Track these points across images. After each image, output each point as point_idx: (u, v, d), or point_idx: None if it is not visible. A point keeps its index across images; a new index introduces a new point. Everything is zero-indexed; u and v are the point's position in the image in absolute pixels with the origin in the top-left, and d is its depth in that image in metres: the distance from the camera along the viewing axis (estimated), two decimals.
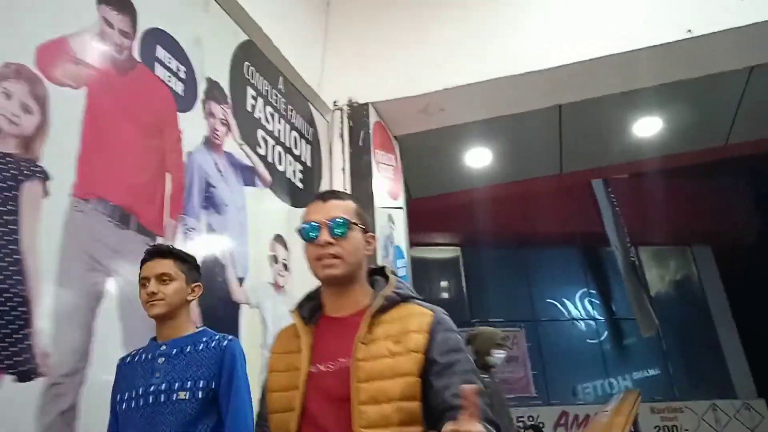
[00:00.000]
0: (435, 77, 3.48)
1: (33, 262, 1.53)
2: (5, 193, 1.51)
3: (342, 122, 3.47)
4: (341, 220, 1.41)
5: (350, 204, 1.48)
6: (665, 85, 3.57)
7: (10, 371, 1.42)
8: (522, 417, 8.01)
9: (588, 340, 9.33)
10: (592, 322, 9.53)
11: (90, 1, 1.93)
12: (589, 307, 9.62)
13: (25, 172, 1.57)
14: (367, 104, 3.50)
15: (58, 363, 1.54)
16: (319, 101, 3.42)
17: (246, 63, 2.78)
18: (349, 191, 3.30)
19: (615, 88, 3.52)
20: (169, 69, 2.23)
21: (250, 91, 2.77)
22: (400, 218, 3.65)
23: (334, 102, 3.51)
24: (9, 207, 1.51)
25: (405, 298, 1.42)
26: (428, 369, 1.29)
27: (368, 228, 1.49)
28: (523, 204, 5.82)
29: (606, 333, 9.32)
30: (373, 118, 3.52)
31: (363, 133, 3.43)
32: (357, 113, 3.48)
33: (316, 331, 1.43)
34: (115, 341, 1.75)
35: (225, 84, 2.58)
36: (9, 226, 1.50)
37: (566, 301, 9.54)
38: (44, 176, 1.62)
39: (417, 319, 1.36)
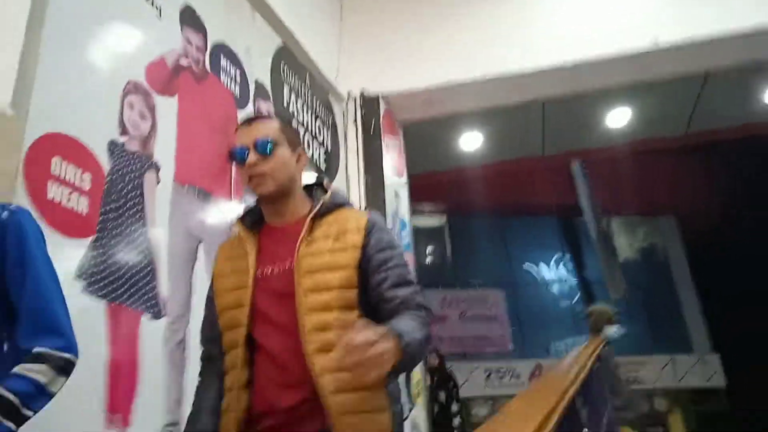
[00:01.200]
0: (437, 72, 3.93)
1: (154, 233, 2.02)
2: (135, 181, 1.98)
3: (356, 111, 3.92)
4: (265, 140, 1.45)
5: (273, 124, 1.52)
6: (635, 83, 4.06)
7: (147, 312, 1.92)
8: (502, 368, 8.66)
9: (561, 301, 9.96)
10: (565, 285, 10.16)
11: (176, 25, 2.37)
12: (563, 271, 10.23)
13: (145, 165, 2.04)
14: (377, 96, 3.95)
15: (173, 308, 2.04)
16: (335, 93, 3.86)
17: (282, 64, 3.22)
18: (362, 172, 3.78)
19: (591, 86, 4.01)
20: (229, 75, 2.68)
21: (286, 88, 3.22)
22: (404, 194, 4.14)
23: (349, 93, 3.95)
24: (138, 192, 1.98)
25: (341, 204, 1.51)
26: (365, 265, 1.41)
27: (296, 145, 1.53)
28: (507, 180, 6.32)
29: (578, 295, 9.95)
30: (382, 107, 3.97)
31: (374, 121, 3.89)
32: (368, 103, 3.93)
33: (260, 237, 1.51)
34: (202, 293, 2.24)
35: (267, 84, 3.02)
36: (137, 207, 1.97)
37: (542, 265, 10.14)
38: (157, 168, 2.09)
39: (354, 221, 1.46)
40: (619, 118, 4.52)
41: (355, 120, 3.90)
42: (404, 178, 4.17)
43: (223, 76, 2.63)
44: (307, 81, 3.50)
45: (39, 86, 1.65)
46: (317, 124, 3.53)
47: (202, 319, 1.56)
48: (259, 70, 2.96)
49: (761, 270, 8.61)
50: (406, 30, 4.06)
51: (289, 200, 1.50)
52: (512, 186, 7.02)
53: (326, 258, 1.41)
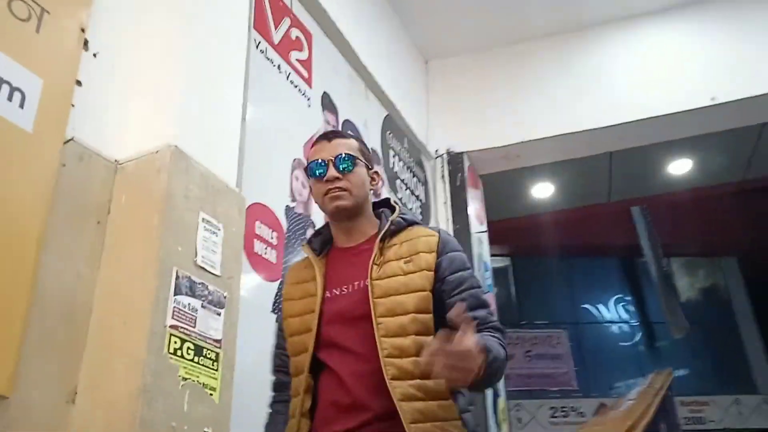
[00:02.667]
0: (514, 131, 4.41)
1: None
2: (301, 237, 2.51)
3: (443, 167, 4.43)
4: (346, 156, 1.48)
5: (353, 142, 1.55)
6: (695, 135, 4.47)
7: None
8: (565, 407, 8.87)
9: (622, 341, 10.13)
10: (625, 325, 10.33)
11: (319, 109, 2.93)
12: (621, 311, 10.42)
13: (307, 223, 2.57)
14: (462, 153, 4.46)
15: None
16: (426, 152, 4.39)
17: (387, 132, 3.77)
18: (451, 221, 4.26)
19: (655, 139, 4.43)
20: None
21: (391, 152, 3.76)
22: (485, 239, 4.60)
23: (436, 151, 4.47)
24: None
25: (411, 223, 1.51)
26: (439, 287, 1.40)
27: (372, 164, 1.57)
28: (572, 225, 6.70)
29: (640, 334, 10.11)
30: (466, 163, 4.47)
31: (459, 175, 4.39)
32: (454, 160, 4.44)
33: (327, 261, 1.52)
34: None
35: (379, 150, 3.56)
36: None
37: (603, 305, 10.36)
38: (314, 225, 2.62)
39: (424, 240, 1.44)
40: (680, 166, 4.92)
41: (443, 175, 4.41)
42: (484, 225, 4.64)
43: None
44: (405, 143, 4.03)
45: (246, 167, 2.20)
46: (414, 181, 4.04)
47: (273, 347, 1.60)
48: (373, 139, 3.50)
49: None
50: (484, 93, 4.58)
51: (361, 219, 1.52)
52: (575, 230, 7.40)
53: (400, 280, 1.40)
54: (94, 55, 1.86)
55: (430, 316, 1.38)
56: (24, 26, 1.62)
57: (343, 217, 1.51)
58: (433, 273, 1.41)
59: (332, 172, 1.47)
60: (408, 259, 1.42)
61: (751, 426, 9.03)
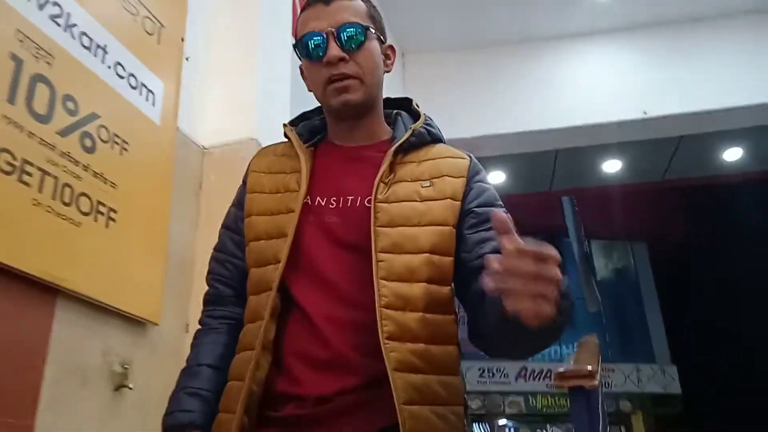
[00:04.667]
0: (476, 126, 4.97)
1: None
2: None
3: None
4: (354, 26, 1.05)
5: (360, 3, 1.11)
6: (625, 141, 5.19)
7: None
8: (491, 368, 9.73)
9: None
10: None
11: None
12: None
13: None
14: None
15: None
16: None
17: None
18: None
19: (593, 142, 5.12)
20: None
21: None
22: None
23: None
24: None
25: (436, 139, 1.13)
26: (463, 220, 1.04)
27: (385, 36, 1.14)
28: (514, 207, 7.39)
29: None
30: None
31: None
32: None
33: (316, 156, 1.12)
34: None
35: None
36: None
37: None
38: None
39: (452, 161, 1.08)
40: (611, 166, 5.67)
41: None
42: None
43: None
44: None
45: None
46: None
47: (214, 250, 1.17)
48: None
49: (718, 295, 9.86)
50: (453, 88, 5.09)
51: (371, 116, 1.12)
52: (518, 212, 8.09)
53: (416, 207, 1.02)
54: (187, 59, 2.29)
55: (450, 259, 1.02)
56: (151, 39, 2.05)
57: (351, 115, 1.10)
58: (459, 204, 1.04)
59: (334, 50, 1.04)
60: (428, 182, 1.05)
61: (647, 391, 10.15)
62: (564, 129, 4.87)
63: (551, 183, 5.74)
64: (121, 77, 1.86)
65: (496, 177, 5.79)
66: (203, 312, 1.15)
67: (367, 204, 1.03)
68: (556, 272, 0.76)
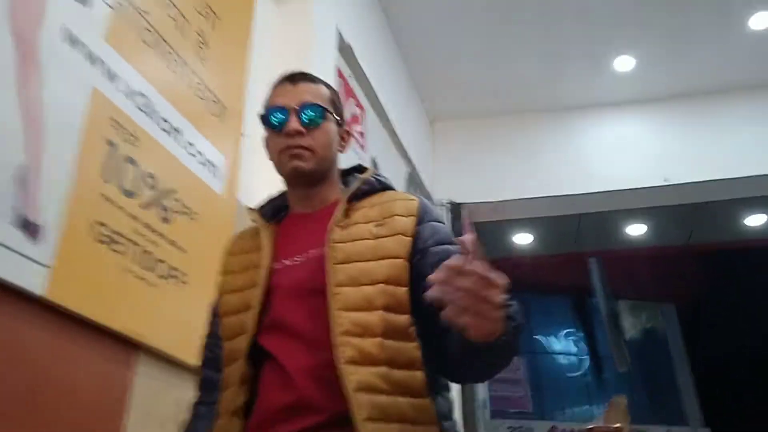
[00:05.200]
0: (503, 190, 5.17)
1: None
2: None
3: (445, 214, 5.17)
4: (314, 106, 1.17)
5: (323, 89, 1.24)
6: (650, 207, 5.32)
7: None
8: (521, 427, 9.61)
9: (570, 372, 10.97)
10: (573, 357, 11.18)
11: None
12: (570, 344, 11.27)
13: None
14: (460, 204, 5.20)
15: None
16: (431, 200, 5.11)
17: (410, 186, 4.48)
18: None
19: (617, 207, 5.25)
20: None
21: None
22: None
23: (440, 200, 5.21)
24: None
25: (385, 186, 1.22)
26: (418, 259, 1.08)
27: (343, 120, 1.26)
28: (538, 268, 7.48)
29: (587, 365, 10.97)
30: (463, 212, 5.22)
31: (458, 222, 5.13)
32: (455, 209, 5.17)
33: (280, 228, 1.22)
34: None
35: None
36: None
37: (552, 338, 11.20)
38: None
39: (401, 203, 1.15)
40: (636, 230, 5.78)
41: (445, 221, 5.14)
42: None
43: None
44: (419, 194, 4.74)
45: None
46: None
47: (204, 336, 1.27)
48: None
49: (750, 357, 9.70)
50: (480, 154, 5.30)
51: (324, 184, 1.22)
52: (538, 272, 8.23)
53: (368, 243, 1.09)
54: (243, 135, 2.52)
55: (405, 289, 1.06)
56: (216, 120, 2.30)
57: (303, 182, 1.21)
58: (410, 240, 1.09)
59: (294, 123, 1.16)
60: (380, 222, 1.12)
61: None
62: (588, 194, 5.01)
63: (577, 245, 5.85)
64: (192, 155, 2.09)
65: (524, 238, 5.93)
66: (195, 398, 1.25)
67: (324, 249, 1.11)
68: (496, 294, 0.83)
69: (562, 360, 11.01)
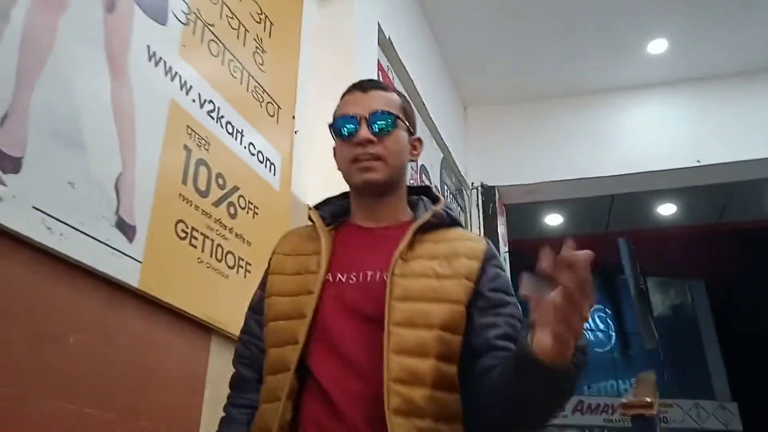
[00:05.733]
0: (536, 173, 5.27)
1: None
2: None
3: (478, 197, 5.29)
4: (385, 114, 1.14)
5: (395, 97, 1.21)
6: (679, 187, 5.37)
7: None
8: None
9: (596, 349, 11.08)
10: (600, 333, 11.28)
11: None
12: (598, 321, 11.37)
13: None
14: (493, 187, 5.32)
15: None
16: (465, 184, 5.24)
17: (443, 170, 4.61)
18: None
19: (648, 188, 5.32)
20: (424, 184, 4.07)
21: (445, 187, 4.61)
22: (507, 258, 5.46)
23: (472, 183, 5.33)
24: None
25: (454, 222, 1.18)
26: (473, 302, 1.05)
27: (414, 129, 1.23)
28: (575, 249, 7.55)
29: (615, 342, 11.07)
30: (497, 195, 5.33)
31: (492, 205, 5.25)
32: (487, 192, 5.29)
33: (338, 237, 1.17)
34: None
35: (439, 185, 4.41)
36: None
37: None
38: None
39: (469, 244, 1.12)
40: (667, 209, 5.83)
41: (478, 204, 5.26)
42: (507, 247, 5.50)
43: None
44: (453, 179, 4.88)
45: None
46: (458, 209, 4.89)
47: (240, 332, 1.27)
48: (434, 178, 4.35)
49: None
50: (513, 138, 5.41)
51: (393, 196, 1.18)
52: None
53: (431, 283, 1.06)
54: (296, 132, 2.68)
55: (459, 338, 1.04)
56: (272, 120, 2.46)
57: (372, 193, 1.17)
58: (472, 285, 1.06)
59: (365, 132, 1.13)
60: (444, 262, 1.08)
61: (707, 427, 10.00)
62: (619, 176, 5.09)
63: (607, 225, 5.94)
64: (252, 154, 2.26)
65: (554, 219, 6.04)
66: (228, 398, 1.23)
67: (385, 278, 1.07)
68: (587, 308, 0.79)
69: (589, 336, 11.12)
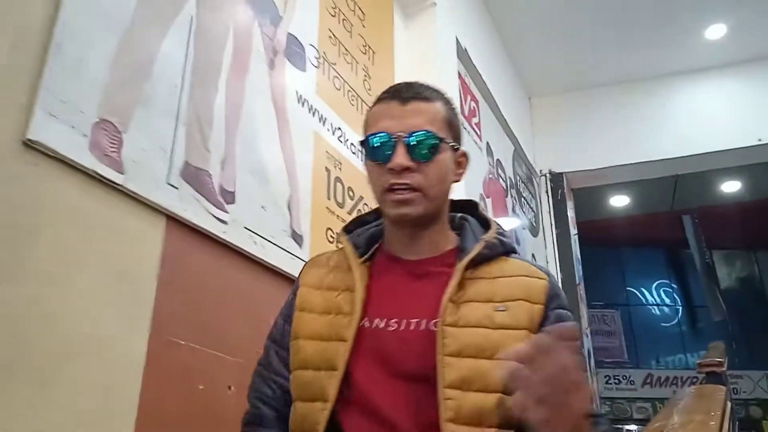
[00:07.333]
0: (602, 157, 5.53)
1: None
2: None
3: (547, 184, 5.61)
4: (428, 135, 0.94)
5: (439, 108, 0.99)
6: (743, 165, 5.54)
7: None
8: (617, 376, 10.02)
9: (663, 323, 11.18)
10: (667, 308, 11.38)
11: (485, 154, 4.12)
12: (663, 296, 11.46)
13: None
14: (561, 173, 5.62)
15: None
16: (534, 172, 5.56)
17: (515, 161, 4.95)
18: (553, 227, 5.43)
19: (712, 167, 5.51)
20: (502, 177, 4.43)
21: (518, 178, 4.95)
22: (577, 240, 5.76)
23: (541, 170, 5.64)
24: None
25: (509, 250, 1.00)
26: None
27: (460, 141, 1.02)
28: (633, 225, 7.76)
29: (681, 316, 11.16)
30: (565, 180, 5.63)
31: (560, 191, 5.56)
32: (555, 178, 5.60)
33: (372, 268, 1.00)
34: None
35: (512, 177, 4.76)
36: None
37: (644, 290, 11.41)
38: None
39: (527, 282, 0.94)
40: (731, 186, 6.01)
41: (547, 190, 5.58)
42: (575, 229, 5.80)
43: (500, 181, 4.38)
44: (524, 168, 5.22)
45: None
46: (529, 196, 5.23)
47: (258, 363, 1.09)
48: (507, 170, 4.70)
49: None
50: (577, 126, 5.69)
51: (433, 227, 1.01)
52: (634, 227, 8.50)
53: (489, 336, 0.89)
54: None
55: None
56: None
57: (408, 226, 1.01)
58: (534, 335, 0.89)
59: (401, 157, 0.95)
60: (503, 305, 0.93)
61: None
62: (682, 158, 5.31)
63: (672, 204, 6.15)
64: None
65: (620, 200, 6.29)
66: None
67: (432, 328, 0.91)
68: (582, 386, 0.68)
69: (656, 311, 11.24)
